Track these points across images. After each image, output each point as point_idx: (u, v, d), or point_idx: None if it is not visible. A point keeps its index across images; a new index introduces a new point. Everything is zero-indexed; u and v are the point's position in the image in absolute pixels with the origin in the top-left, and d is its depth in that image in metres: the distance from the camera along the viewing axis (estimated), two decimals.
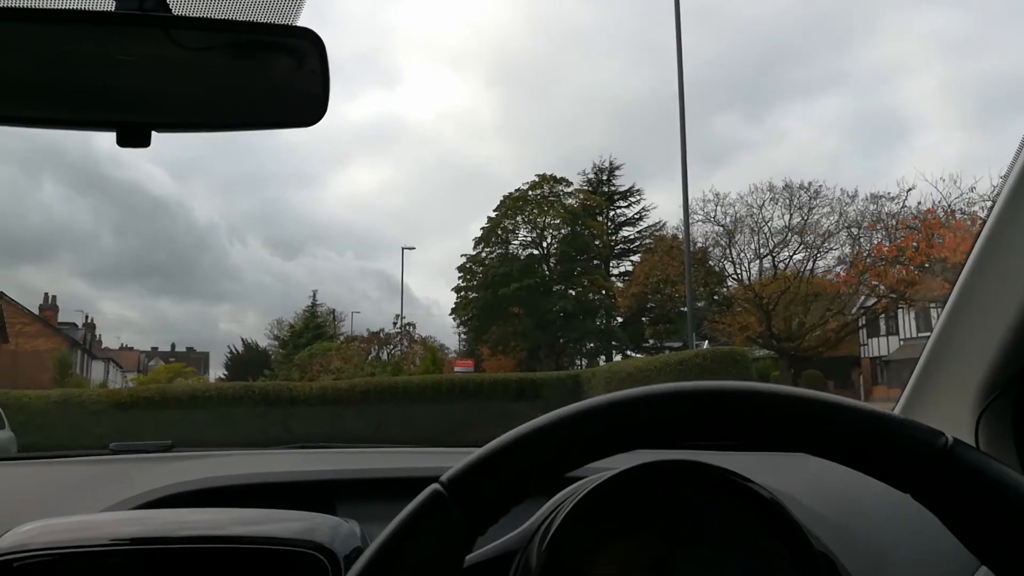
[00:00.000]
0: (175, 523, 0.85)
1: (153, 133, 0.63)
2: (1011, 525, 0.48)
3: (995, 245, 0.87)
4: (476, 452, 0.51)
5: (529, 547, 0.68)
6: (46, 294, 37.85)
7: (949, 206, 21.27)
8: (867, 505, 0.99)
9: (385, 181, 60.39)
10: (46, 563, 0.78)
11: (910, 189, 23.11)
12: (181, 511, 0.94)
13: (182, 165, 62.91)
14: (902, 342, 27.92)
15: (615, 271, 37.01)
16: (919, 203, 22.75)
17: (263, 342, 39.60)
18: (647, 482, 0.66)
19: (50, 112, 0.62)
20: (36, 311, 35.68)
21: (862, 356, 31.05)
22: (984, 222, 0.89)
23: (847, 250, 25.36)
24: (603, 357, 34.17)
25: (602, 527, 0.64)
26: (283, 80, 0.66)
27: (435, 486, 0.50)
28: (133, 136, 0.62)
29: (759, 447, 0.53)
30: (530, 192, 34.80)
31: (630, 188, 37.13)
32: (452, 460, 0.52)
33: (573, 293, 34.82)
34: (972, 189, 20.84)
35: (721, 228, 26.38)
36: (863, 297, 25.57)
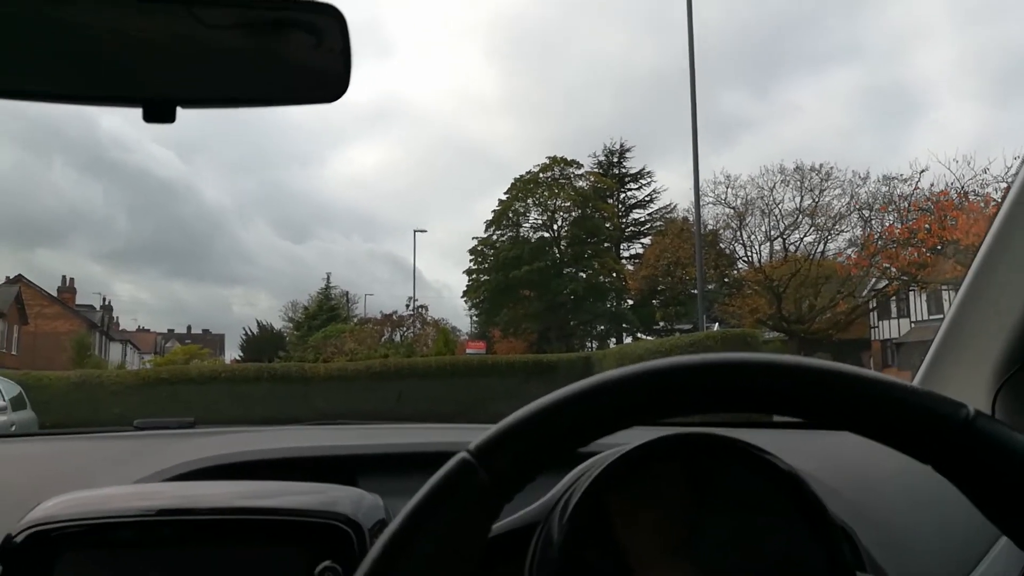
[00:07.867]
0: (201, 495, 0.87)
1: (178, 109, 0.64)
2: None
3: (1020, 217, 0.87)
4: (502, 421, 0.52)
5: (550, 518, 0.68)
6: (64, 277, 38.29)
7: (963, 188, 20.98)
8: (879, 481, 0.99)
9: (388, 161, 60.09)
10: (75, 534, 0.79)
11: (923, 171, 22.81)
12: (206, 483, 0.95)
13: (189, 147, 63.08)
14: (913, 324, 27.73)
15: (626, 254, 37.07)
16: (932, 185, 22.50)
17: (277, 324, 39.91)
18: (666, 455, 0.66)
19: (78, 88, 0.63)
20: (54, 293, 36.06)
21: (872, 339, 30.87)
22: (1007, 191, 0.89)
23: (858, 232, 25.18)
24: (613, 339, 34.19)
25: (624, 498, 0.65)
26: (306, 56, 0.66)
27: (463, 454, 0.51)
28: (159, 112, 0.63)
29: (782, 417, 0.53)
30: (541, 174, 34.70)
31: (640, 170, 37.11)
32: (473, 436, 0.52)
33: (584, 276, 34.81)
34: (986, 170, 20.52)
35: (732, 210, 26.23)
36: (874, 279, 25.38)
